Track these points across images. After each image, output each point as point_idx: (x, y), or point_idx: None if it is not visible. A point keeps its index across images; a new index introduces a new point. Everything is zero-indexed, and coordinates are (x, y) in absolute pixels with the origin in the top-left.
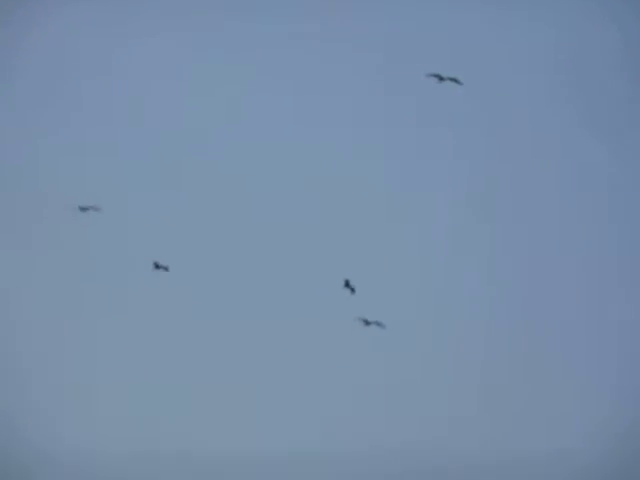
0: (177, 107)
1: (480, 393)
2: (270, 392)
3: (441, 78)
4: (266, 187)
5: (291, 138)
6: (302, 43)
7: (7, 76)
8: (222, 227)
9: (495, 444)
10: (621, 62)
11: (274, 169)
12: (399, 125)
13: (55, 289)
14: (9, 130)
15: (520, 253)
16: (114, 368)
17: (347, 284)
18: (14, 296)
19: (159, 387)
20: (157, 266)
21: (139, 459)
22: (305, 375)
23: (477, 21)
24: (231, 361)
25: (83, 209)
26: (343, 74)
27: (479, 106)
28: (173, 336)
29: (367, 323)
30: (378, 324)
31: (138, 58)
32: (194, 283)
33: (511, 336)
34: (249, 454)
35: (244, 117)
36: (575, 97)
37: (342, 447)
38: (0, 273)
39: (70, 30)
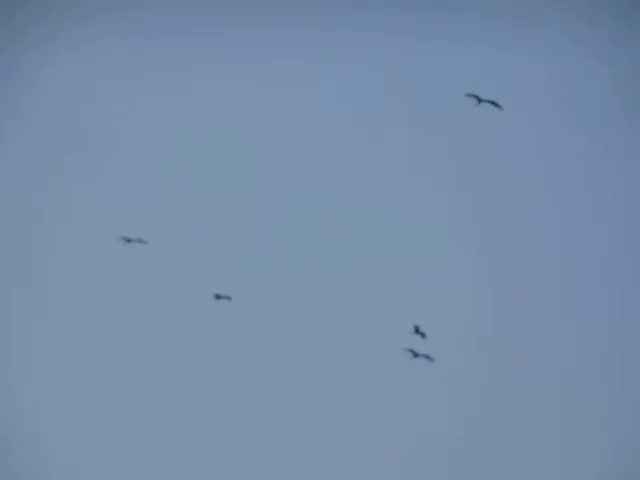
0: (220, 140)
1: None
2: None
3: (479, 100)
4: (311, 216)
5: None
6: (304, 75)
7: (44, 114)
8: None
9: None
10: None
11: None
12: (399, 153)
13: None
14: (49, 162)
15: (526, 295)
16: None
17: (417, 330)
18: (61, 329)
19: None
20: (218, 297)
21: None
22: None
23: (475, 57)
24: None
25: (128, 240)
26: (341, 106)
27: (481, 136)
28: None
29: (415, 355)
30: (427, 357)
31: (167, 98)
32: (244, 315)
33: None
34: None
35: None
36: (578, 129)
37: None
38: (46, 306)
39: (101, 67)
